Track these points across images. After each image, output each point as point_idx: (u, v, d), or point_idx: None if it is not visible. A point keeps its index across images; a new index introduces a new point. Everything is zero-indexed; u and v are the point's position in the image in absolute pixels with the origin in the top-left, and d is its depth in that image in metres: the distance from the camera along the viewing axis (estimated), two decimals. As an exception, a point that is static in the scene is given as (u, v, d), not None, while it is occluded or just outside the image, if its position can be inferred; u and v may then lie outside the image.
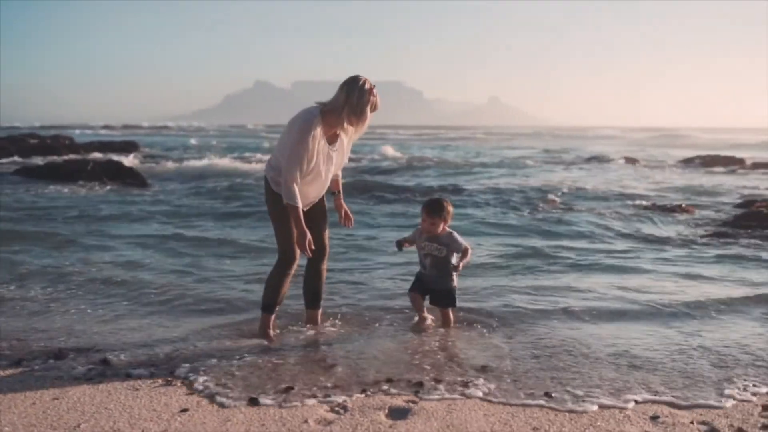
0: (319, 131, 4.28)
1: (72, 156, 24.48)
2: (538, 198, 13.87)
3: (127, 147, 31.15)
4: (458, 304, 5.00)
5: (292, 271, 4.58)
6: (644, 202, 13.30)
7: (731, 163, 25.45)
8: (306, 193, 4.44)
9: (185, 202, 13.47)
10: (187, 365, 4.06)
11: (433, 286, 4.89)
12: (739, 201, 13.47)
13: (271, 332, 4.67)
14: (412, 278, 5.07)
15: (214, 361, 4.14)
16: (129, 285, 6.22)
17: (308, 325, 4.92)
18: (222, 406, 3.47)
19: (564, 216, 11.50)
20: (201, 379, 3.84)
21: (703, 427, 3.25)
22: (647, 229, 10.29)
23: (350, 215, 4.92)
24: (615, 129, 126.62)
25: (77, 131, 62.11)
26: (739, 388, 3.77)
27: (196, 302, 5.68)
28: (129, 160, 19.84)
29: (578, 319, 5.22)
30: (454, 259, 4.80)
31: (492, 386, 3.75)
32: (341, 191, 4.91)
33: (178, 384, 3.78)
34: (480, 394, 3.65)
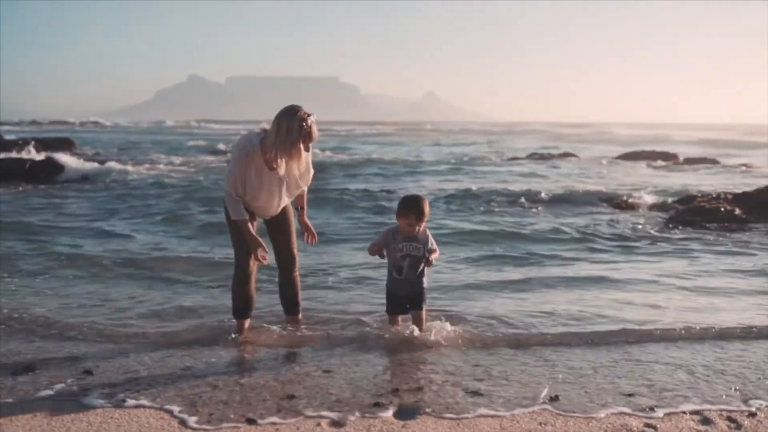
0: (256, 159, 4.41)
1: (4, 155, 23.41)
2: (506, 200, 13.62)
3: (62, 144, 29.99)
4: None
5: (249, 279, 4.74)
6: (600, 199, 13.68)
7: (666, 158, 26.40)
8: (255, 208, 4.61)
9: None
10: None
11: (409, 292, 4.72)
12: (679, 197, 13.97)
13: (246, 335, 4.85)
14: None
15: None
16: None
17: (288, 326, 4.99)
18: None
19: (524, 218, 11.71)
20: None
21: (699, 417, 3.40)
22: (606, 228, 10.59)
23: (313, 232, 4.95)
24: (545, 124, 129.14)
25: (5, 127, 59.61)
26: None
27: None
28: (74, 161, 18.83)
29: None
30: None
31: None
32: (305, 207, 4.96)
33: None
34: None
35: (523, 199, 13.51)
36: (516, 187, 15.51)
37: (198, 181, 16.95)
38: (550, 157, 28.07)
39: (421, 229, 4.65)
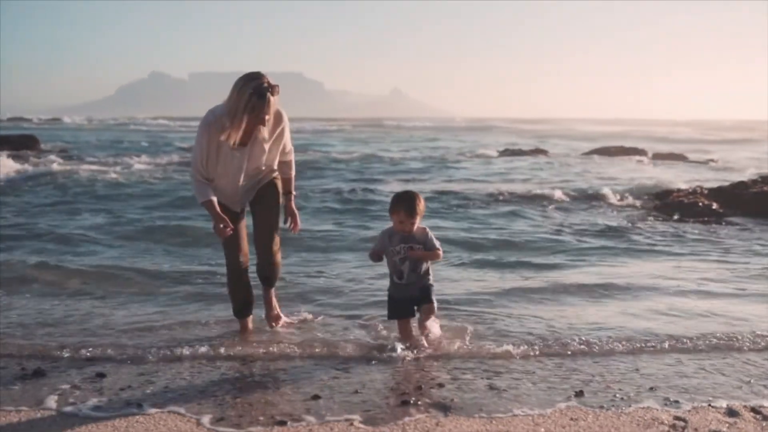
0: (215, 132, 4.11)
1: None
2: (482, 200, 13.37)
3: (26, 142, 29.10)
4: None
5: (241, 277, 4.60)
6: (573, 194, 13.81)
7: (635, 154, 26.83)
8: (221, 188, 4.35)
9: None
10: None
11: (413, 294, 4.43)
12: (656, 191, 14.19)
13: (248, 336, 4.71)
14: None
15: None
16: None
17: (266, 314, 4.88)
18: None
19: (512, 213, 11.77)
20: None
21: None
22: (598, 219, 10.70)
23: (297, 219, 4.67)
24: (508, 120, 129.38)
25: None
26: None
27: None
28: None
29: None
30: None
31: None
32: (293, 193, 4.67)
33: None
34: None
35: (503, 197, 13.54)
36: (497, 185, 15.57)
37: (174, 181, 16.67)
38: (521, 153, 28.29)
39: (416, 226, 4.35)
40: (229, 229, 4.26)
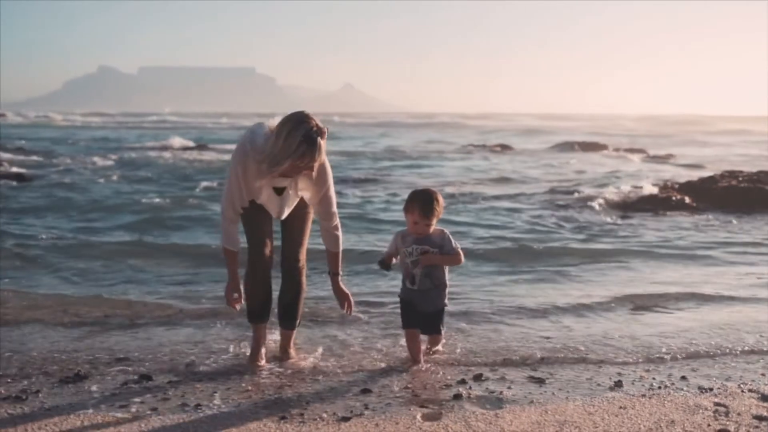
0: (252, 165, 3.76)
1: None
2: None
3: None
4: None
5: (263, 271, 4.12)
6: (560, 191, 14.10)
7: (597, 149, 27.43)
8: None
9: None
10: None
11: (425, 308, 4.08)
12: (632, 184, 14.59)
13: (261, 350, 4.21)
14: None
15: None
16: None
17: (281, 352, 4.31)
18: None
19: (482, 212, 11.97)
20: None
21: (758, 395, 3.66)
22: (581, 216, 10.97)
23: (351, 300, 4.21)
24: (459, 115, 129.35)
25: None
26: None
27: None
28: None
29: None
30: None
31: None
32: (340, 272, 4.16)
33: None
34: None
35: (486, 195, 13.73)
36: (477, 184, 15.77)
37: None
38: (484, 148, 28.62)
39: (432, 228, 4.00)
40: (238, 305, 4.02)
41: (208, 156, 22.99)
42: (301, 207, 4.10)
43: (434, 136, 42.52)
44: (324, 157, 3.75)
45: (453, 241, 4.06)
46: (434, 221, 3.97)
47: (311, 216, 4.17)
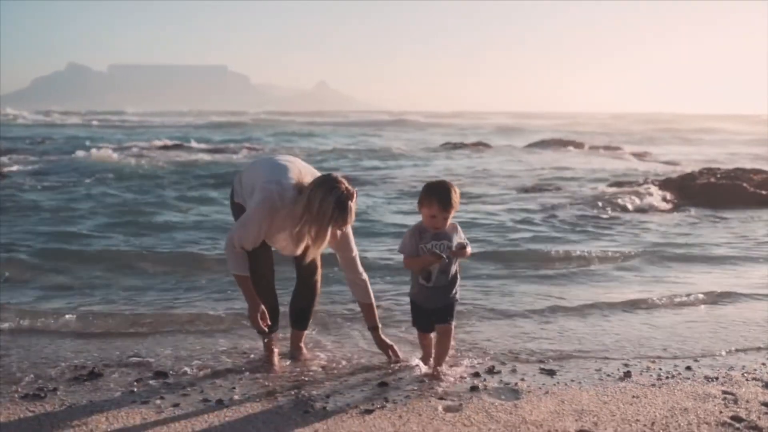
0: (279, 218, 3.81)
1: None
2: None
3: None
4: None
5: (264, 284, 4.06)
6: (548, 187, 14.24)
7: (573, 146, 27.70)
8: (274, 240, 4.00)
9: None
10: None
11: (437, 303, 3.92)
12: (611, 181, 14.79)
13: (275, 358, 4.19)
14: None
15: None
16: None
17: (293, 350, 4.34)
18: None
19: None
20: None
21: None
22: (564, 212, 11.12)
23: (396, 350, 4.20)
24: (430, 114, 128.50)
25: None
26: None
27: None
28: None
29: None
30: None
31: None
32: (379, 326, 4.18)
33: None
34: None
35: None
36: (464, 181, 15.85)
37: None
38: (463, 146, 28.70)
39: (449, 221, 3.85)
40: (265, 323, 3.95)
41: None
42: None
43: (412, 135, 42.57)
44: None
45: (462, 234, 3.95)
46: (452, 214, 3.80)
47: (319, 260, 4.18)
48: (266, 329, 3.98)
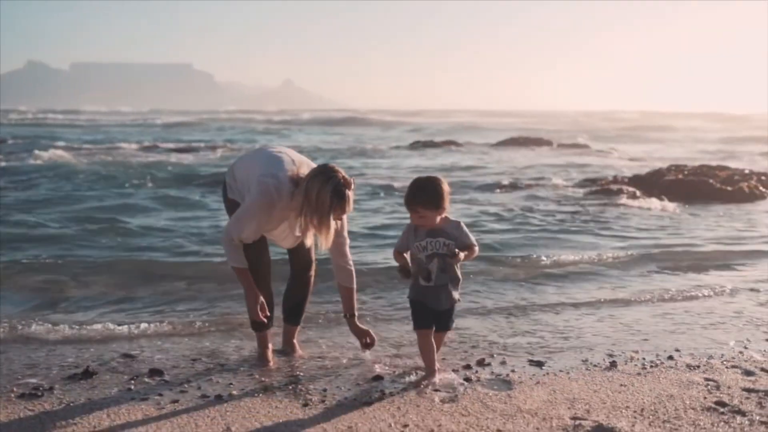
0: (277, 212, 3.84)
1: None
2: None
3: None
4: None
5: (260, 281, 4.05)
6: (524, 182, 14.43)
7: (542, 144, 28.08)
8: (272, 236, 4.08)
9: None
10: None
11: (439, 305, 3.76)
12: (581, 178, 15.06)
13: (269, 354, 4.23)
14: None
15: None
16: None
17: (285, 345, 4.40)
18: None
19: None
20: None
21: (742, 370, 3.96)
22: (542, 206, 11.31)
23: (373, 335, 4.19)
24: (396, 113, 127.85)
25: None
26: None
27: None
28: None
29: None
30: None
31: (552, 355, 4.22)
32: (356, 314, 4.17)
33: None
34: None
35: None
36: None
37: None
38: (433, 144, 28.86)
39: (444, 218, 3.72)
40: (264, 314, 3.97)
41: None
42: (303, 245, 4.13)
43: (381, 133, 42.66)
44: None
45: (469, 232, 3.76)
46: (443, 211, 3.67)
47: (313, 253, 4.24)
48: (265, 320, 3.99)
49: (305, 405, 3.49)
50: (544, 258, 7.35)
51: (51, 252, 7.50)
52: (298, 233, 3.94)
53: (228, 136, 35.47)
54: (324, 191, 3.61)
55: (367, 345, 4.18)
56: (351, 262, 4.14)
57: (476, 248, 3.78)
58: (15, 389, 3.72)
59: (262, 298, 3.95)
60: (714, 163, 16.13)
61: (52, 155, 19.77)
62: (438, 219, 3.69)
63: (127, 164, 18.39)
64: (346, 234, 4.08)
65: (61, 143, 25.04)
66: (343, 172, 3.71)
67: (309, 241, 3.95)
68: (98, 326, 4.99)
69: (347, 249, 4.11)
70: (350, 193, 3.68)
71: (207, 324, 5.07)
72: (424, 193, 3.63)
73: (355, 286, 4.17)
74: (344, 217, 3.95)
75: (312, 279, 4.32)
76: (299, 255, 4.22)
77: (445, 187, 3.68)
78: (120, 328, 4.94)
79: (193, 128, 45.47)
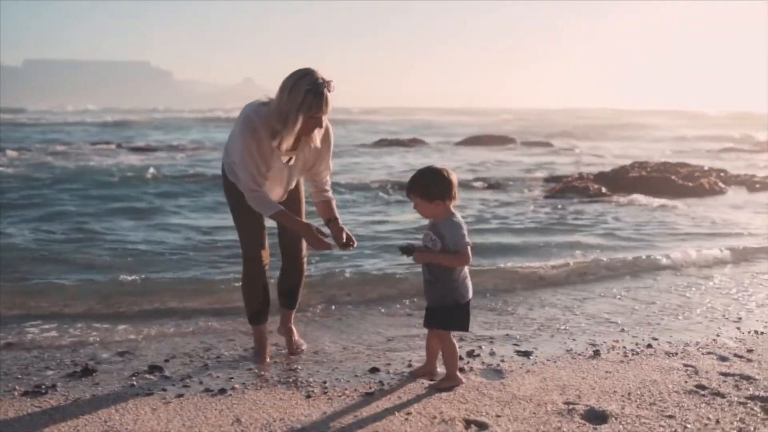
0: (265, 137, 3.67)
1: None
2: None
3: None
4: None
5: (260, 274, 4.08)
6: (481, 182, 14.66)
7: (505, 142, 28.46)
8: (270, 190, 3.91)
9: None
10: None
11: (427, 300, 3.73)
12: (545, 176, 15.37)
13: (266, 347, 4.28)
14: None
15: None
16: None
17: (281, 329, 4.45)
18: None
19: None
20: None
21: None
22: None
23: (352, 237, 3.97)
24: (368, 111, 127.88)
25: None
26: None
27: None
28: None
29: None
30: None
31: (538, 345, 4.42)
32: (338, 217, 4.04)
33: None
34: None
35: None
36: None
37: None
38: (399, 143, 28.99)
39: (445, 211, 3.57)
40: (325, 238, 3.79)
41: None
42: (296, 201, 4.15)
43: (341, 131, 42.58)
44: (327, 122, 3.73)
45: (461, 235, 3.53)
46: (440, 204, 3.52)
47: (304, 207, 4.24)
48: (331, 248, 3.83)
49: (308, 396, 3.61)
50: (514, 257, 7.53)
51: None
52: (285, 159, 3.83)
53: (192, 134, 35.16)
54: (298, 86, 3.47)
55: (345, 245, 3.93)
56: (331, 193, 4.10)
57: (461, 255, 3.51)
58: (18, 387, 3.76)
59: (315, 225, 3.78)
60: (674, 161, 16.61)
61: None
62: (436, 211, 3.54)
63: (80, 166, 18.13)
64: (330, 163, 4.04)
65: (5, 144, 24.08)
66: (322, 74, 3.52)
67: (297, 171, 3.89)
68: (91, 324, 5.04)
69: (329, 181, 4.09)
70: (328, 93, 3.51)
71: (201, 321, 5.14)
72: (418, 182, 3.56)
73: (331, 195, 4.10)
74: (332, 144, 3.93)
75: (305, 262, 4.31)
76: (290, 241, 4.17)
77: (451, 179, 3.52)
78: (108, 327, 4.97)
79: (145, 126, 44.85)
